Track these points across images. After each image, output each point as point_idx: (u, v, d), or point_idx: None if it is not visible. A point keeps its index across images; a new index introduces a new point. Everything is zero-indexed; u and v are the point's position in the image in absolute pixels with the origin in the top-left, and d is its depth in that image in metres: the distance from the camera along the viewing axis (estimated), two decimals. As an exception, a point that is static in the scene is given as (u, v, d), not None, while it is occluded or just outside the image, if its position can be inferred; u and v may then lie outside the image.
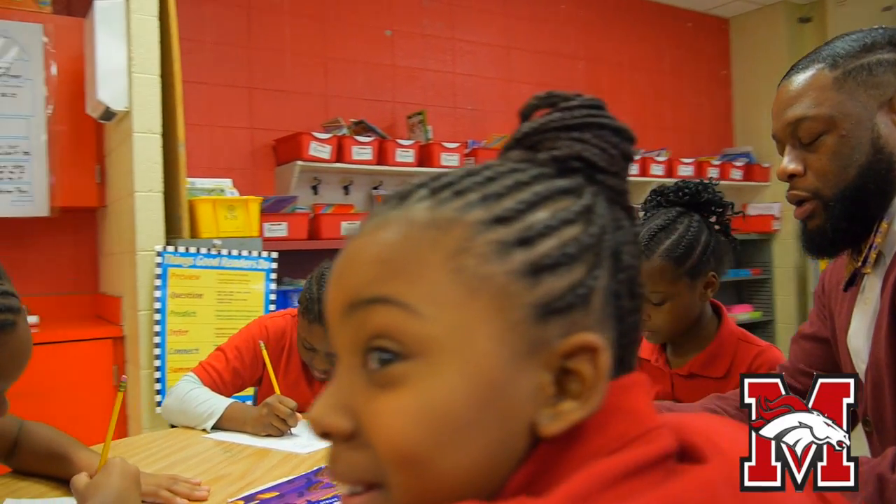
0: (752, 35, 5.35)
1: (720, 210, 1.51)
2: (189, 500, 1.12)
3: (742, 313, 4.99)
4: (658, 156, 4.63)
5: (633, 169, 4.44)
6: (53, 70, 2.93)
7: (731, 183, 4.94)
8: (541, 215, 0.44)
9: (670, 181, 1.57)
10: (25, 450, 1.23)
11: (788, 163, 1.04)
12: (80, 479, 1.03)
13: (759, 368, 1.43)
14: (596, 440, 0.42)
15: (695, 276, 1.43)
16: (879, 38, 0.99)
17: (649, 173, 4.52)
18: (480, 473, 0.42)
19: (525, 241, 0.43)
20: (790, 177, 1.05)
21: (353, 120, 3.72)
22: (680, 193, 1.50)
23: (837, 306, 1.13)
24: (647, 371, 1.58)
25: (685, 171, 4.64)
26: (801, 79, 1.02)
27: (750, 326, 5.08)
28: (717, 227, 1.50)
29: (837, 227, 1.01)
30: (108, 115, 2.71)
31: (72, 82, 2.94)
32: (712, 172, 4.79)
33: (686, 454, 0.44)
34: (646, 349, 1.57)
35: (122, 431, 2.77)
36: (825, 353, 1.19)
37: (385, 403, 0.42)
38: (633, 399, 0.44)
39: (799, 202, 1.05)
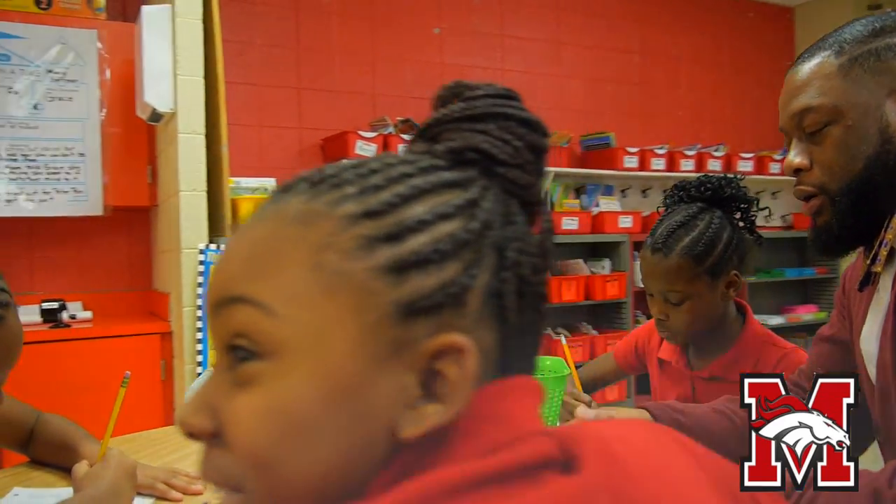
0: (818, 24, 5.13)
1: (745, 206, 1.44)
2: (185, 493, 1.14)
3: (807, 314, 4.79)
4: (716, 151, 4.49)
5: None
6: (107, 74, 3.03)
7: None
8: (416, 209, 0.42)
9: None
10: (40, 440, 1.27)
11: (794, 156, 0.98)
12: (80, 468, 1.07)
13: (784, 371, 1.37)
14: (463, 446, 0.40)
15: (716, 275, 1.37)
16: (890, 22, 0.93)
17: (706, 169, 4.38)
18: (336, 477, 0.40)
19: (393, 237, 0.41)
20: (796, 171, 0.99)
21: (399, 118, 3.73)
22: (702, 188, 1.45)
23: (855, 307, 1.07)
24: (668, 373, 1.53)
25: (745, 166, 4.49)
26: (806, 68, 0.97)
27: (816, 327, 4.87)
28: (741, 223, 1.44)
29: (844, 223, 0.95)
30: (156, 116, 2.78)
31: (124, 86, 3.03)
32: (774, 168, 4.62)
33: (570, 464, 0.41)
34: (667, 350, 1.52)
35: (170, 422, 2.85)
36: (843, 356, 1.12)
37: (239, 403, 0.41)
38: (510, 404, 0.42)
39: (806, 198, 0.99)
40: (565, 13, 4.43)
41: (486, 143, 0.46)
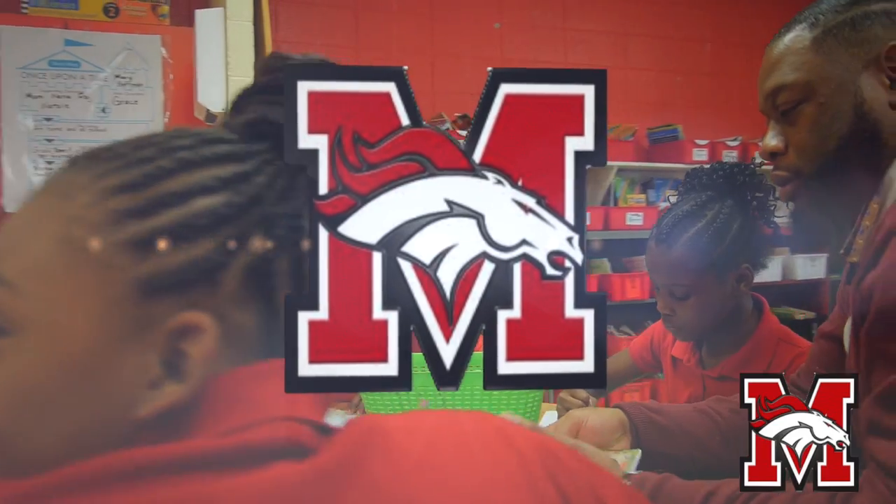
0: (913, 4, 4.79)
1: (760, 195, 1.35)
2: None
3: None
4: (794, 142, 4.26)
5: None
6: (170, 78, 3.16)
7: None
8: (174, 183, 0.41)
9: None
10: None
11: (769, 139, 0.92)
12: None
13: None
14: (200, 429, 0.39)
15: (724, 269, 1.29)
16: None
17: (783, 161, 4.17)
18: (74, 455, 0.39)
19: (144, 211, 0.40)
20: (772, 155, 0.92)
21: (457, 114, 3.72)
22: (714, 176, 1.37)
23: (851, 300, 0.99)
24: (680, 372, 1.45)
25: (826, 157, 4.24)
26: (780, 44, 0.90)
27: None
28: (756, 214, 1.35)
29: (819, 208, 0.87)
30: (210, 117, 2.88)
31: (186, 89, 3.15)
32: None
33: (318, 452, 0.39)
34: (680, 348, 1.45)
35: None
36: (841, 353, 1.04)
37: None
38: (264, 388, 0.40)
39: (783, 183, 0.92)
40: (631, 2, 4.30)
41: (279, 115, 0.45)
